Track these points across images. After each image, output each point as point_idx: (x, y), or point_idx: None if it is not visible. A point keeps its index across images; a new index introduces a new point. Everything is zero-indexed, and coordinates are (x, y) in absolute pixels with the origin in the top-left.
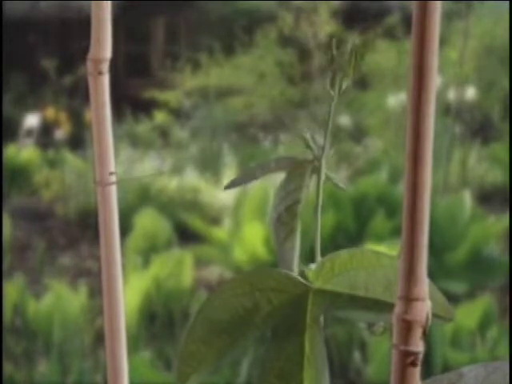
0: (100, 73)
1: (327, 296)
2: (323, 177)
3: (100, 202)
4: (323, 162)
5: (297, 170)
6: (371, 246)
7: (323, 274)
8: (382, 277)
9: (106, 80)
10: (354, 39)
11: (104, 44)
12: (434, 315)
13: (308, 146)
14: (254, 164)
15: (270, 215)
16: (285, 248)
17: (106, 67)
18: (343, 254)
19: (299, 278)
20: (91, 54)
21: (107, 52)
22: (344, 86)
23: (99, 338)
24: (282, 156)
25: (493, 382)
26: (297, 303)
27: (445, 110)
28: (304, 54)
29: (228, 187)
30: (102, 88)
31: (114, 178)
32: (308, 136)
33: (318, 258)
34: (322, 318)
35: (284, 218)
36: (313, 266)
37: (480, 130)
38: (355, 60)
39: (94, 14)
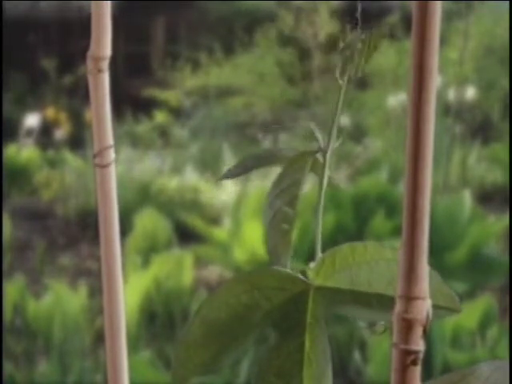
0: (100, 70)
1: (328, 293)
2: (327, 171)
3: (100, 202)
4: (328, 154)
5: (295, 163)
6: None
7: (324, 270)
8: (386, 270)
9: (105, 78)
10: (361, 33)
11: (104, 42)
12: (441, 307)
13: (314, 138)
14: (250, 156)
15: (264, 213)
16: (277, 251)
17: (105, 65)
18: (345, 248)
19: (299, 275)
20: (91, 52)
21: (107, 50)
22: (353, 75)
23: (99, 338)
24: (280, 148)
25: (495, 380)
26: (297, 301)
27: (445, 110)
28: (304, 54)
29: (224, 178)
30: (102, 86)
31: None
32: (313, 127)
33: (319, 255)
34: (324, 316)
35: (280, 216)
36: (312, 265)
37: (480, 130)
38: (369, 49)
39: (93, 11)
